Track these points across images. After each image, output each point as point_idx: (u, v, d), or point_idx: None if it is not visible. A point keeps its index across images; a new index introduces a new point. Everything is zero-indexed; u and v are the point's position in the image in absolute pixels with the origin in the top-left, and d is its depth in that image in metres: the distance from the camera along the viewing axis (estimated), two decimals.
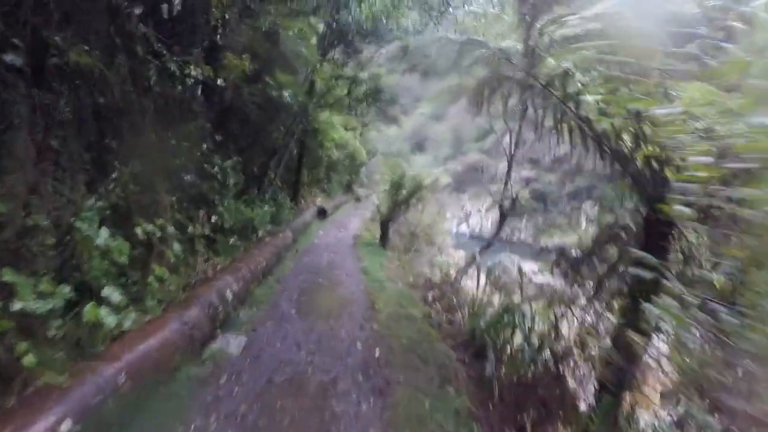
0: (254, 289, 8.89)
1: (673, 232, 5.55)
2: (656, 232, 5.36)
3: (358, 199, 29.67)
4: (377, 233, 16.21)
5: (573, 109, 6.00)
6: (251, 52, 9.90)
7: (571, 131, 6.41)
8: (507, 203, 47.15)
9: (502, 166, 54.39)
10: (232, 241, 9.51)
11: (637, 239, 5.39)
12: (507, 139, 57.52)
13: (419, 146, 59.26)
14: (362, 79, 16.26)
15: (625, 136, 5.71)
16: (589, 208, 45.34)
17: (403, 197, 14.72)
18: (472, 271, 17.19)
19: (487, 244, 15.73)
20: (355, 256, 14.21)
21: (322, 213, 18.59)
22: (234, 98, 10.50)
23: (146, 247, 6.26)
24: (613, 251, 6.33)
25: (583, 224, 45.84)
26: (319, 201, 19.88)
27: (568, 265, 7.12)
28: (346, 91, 16.30)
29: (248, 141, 12.22)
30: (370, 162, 37.05)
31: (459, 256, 23.18)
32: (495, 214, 46.98)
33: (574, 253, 6.85)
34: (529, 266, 20.47)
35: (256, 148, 12.84)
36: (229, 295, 7.28)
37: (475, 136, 57.15)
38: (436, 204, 23.31)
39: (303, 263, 12.70)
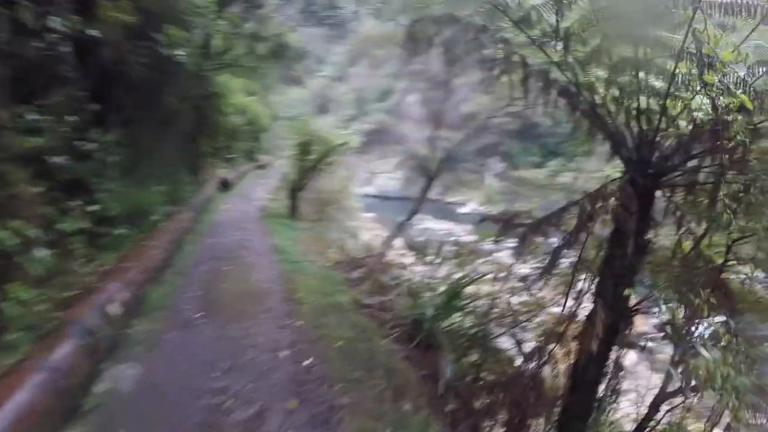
0: (150, 292, 7.29)
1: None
2: (643, 201, 4.63)
3: (261, 167, 27.79)
4: (285, 203, 15.16)
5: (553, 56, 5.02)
6: (133, 0, 8.09)
7: (525, 79, 5.46)
8: (415, 163, 46.53)
9: (407, 126, 54.24)
10: (120, 232, 7.85)
11: (626, 208, 4.57)
12: (410, 98, 57.06)
13: (322, 109, 57.33)
14: (265, 36, 14.50)
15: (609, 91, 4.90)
16: (495, 163, 46.13)
17: (312, 162, 13.73)
18: (397, 242, 16.26)
19: (413, 211, 14.85)
20: (264, 232, 12.90)
21: (225, 185, 16.97)
22: (116, 59, 8.64)
23: None
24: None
25: (488, 180, 46.71)
26: (222, 172, 18.04)
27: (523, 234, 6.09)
28: (246, 50, 14.44)
29: (135, 110, 10.30)
30: (273, 127, 35.24)
31: (372, 222, 22.25)
32: (402, 174, 46.88)
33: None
34: (456, 229, 20.08)
35: (146, 118, 10.91)
36: (114, 309, 5.69)
37: (377, 96, 56.09)
38: (344, 167, 22.15)
39: (207, 247, 11.25)
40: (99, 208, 7.25)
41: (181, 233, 10.87)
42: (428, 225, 17.81)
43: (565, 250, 5.54)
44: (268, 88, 31.28)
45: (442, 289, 7.54)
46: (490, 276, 7.64)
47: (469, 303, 7.21)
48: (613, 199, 4.62)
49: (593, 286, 5.43)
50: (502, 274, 7.42)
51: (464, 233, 18.50)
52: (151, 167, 10.57)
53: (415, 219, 18.13)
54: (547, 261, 5.81)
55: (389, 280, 9.53)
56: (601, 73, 4.88)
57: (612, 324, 4.98)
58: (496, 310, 7.30)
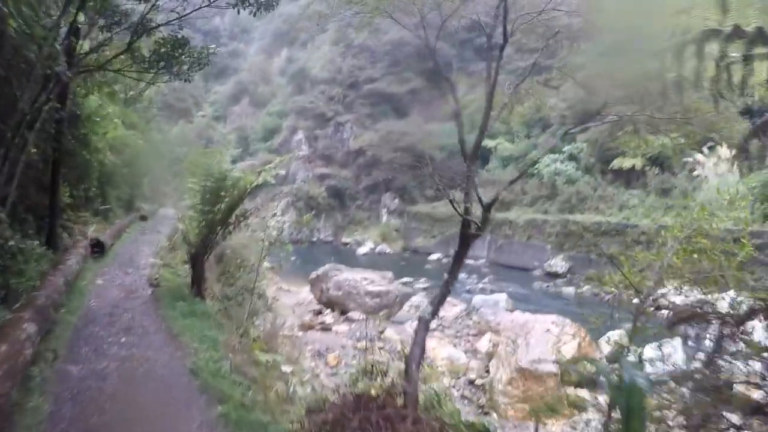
0: None
1: None
2: None
3: (144, 218, 23.23)
4: (181, 268, 11.44)
5: None
6: None
7: None
8: (304, 203, 44.18)
9: (293, 165, 51.88)
10: None
11: None
12: (297, 136, 54.75)
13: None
14: (153, 23, 10.36)
15: None
16: (389, 200, 45.09)
17: (223, 211, 9.19)
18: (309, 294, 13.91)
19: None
20: (165, 331, 7.66)
21: (98, 248, 12.44)
22: None
23: None
24: None
25: (384, 217, 45.52)
26: (93, 230, 13.47)
27: None
28: (127, 44, 10.20)
29: None
30: (157, 169, 30.98)
31: (280, 278, 19.17)
32: (290, 216, 44.26)
33: None
34: (376, 278, 17.87)
35: None
36: None
37: (262, 135, 53.39)
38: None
39: (66, 385, 5.64)
40: None
41: (15, 367, 5.06)
42: (347, 275, 15.37)
43: None
44: (150, 120, 27.42)
45: None
46: None
47: None
48: None
49: None
50: None
51: (385, 281, 16.24)
52: None
53: (328, 269, 15.75)
54: None
55: None
56: None
57: None
58: None
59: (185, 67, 10.68)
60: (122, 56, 10.45)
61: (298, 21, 66.34)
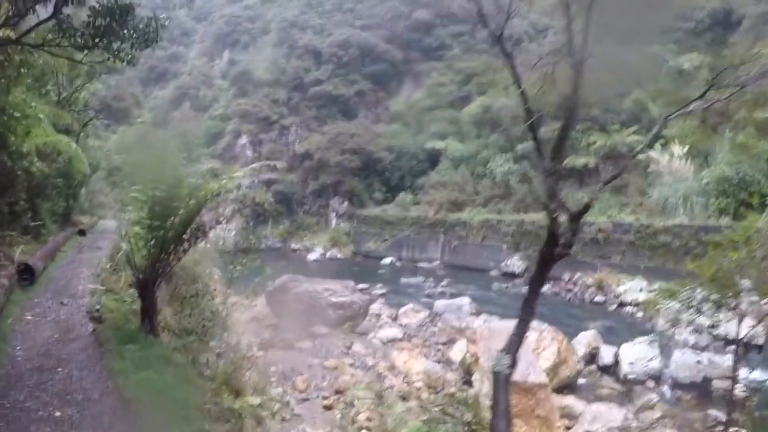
0: None
1: None
2: None
3: (82, 233, 20.53)
4: (126, 293, 9.23)
5: None
6: None
7: None
8: (251, 210, 42.49)
9: (238, 170, 49.78)
10: None
11: None
12: (240, 141, 52.91)
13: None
14: None
15: None
16: (337, 204, 43.82)
17: (177, 226, 7.05)
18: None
19: None
20: (115, 396, 5.40)
21: (27, 274, 9.91)
22: None
23: None
24: None
25: (333, 222, 44.23)
26: (20, 253, 10.89)
27: None
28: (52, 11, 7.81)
29: None
30: (92, 179, 28.35)
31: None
32: (236, 225, 42.26)
33: None
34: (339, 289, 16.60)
35: None
36: None
37: (204, 140, 51.11)
38: None
39: None
40: None
41: None
42: (307, 287, 14.07)
43: None
44: (87, 123, 24.89)
45: None
46: None
47: None
48: None
49: None
50: None
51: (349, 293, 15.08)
52: None
53: (286, 280, 14.47)
54: None
55: None
56: None
57: None
58: None
59: (128, 45, 8.72)
60: (48, 30, 8.28)
61: (240, 22, 64.46)
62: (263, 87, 50.51)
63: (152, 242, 7.02)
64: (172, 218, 6.85)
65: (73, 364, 6.13)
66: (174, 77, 63.58)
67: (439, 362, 12.54)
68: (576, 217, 5.67)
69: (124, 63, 9.00)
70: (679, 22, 34.58)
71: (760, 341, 15.61)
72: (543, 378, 9.12)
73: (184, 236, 7.27)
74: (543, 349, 11.28)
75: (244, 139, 49.10)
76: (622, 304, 20.53)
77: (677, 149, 25.24)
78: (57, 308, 8.49)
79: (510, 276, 27.16)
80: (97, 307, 7.97)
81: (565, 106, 5.42)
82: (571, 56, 5.06)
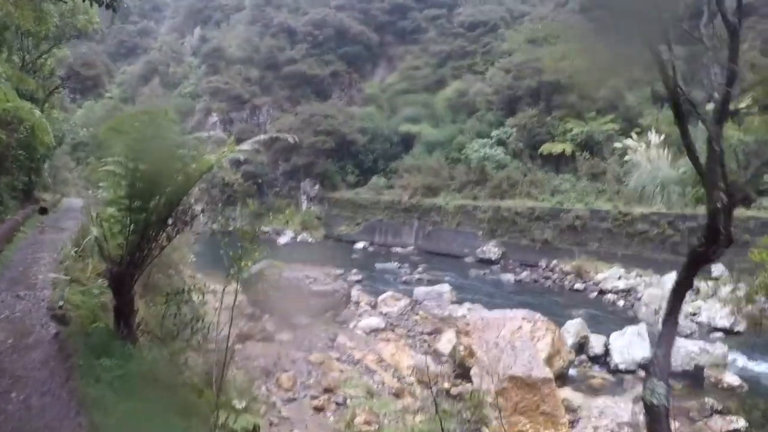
0: None
1: None
2: None
3: (44, 211, 18.52)
4: (96, 286, 7.32)
5: None
6: None
7: None
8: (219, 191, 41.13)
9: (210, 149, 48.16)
10: None
11: None
12: (211, 119, 51.26)
13: None
14: None
15: None
16: (309, 186, 42.79)
17: (160, 208, 5.75)
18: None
19: None
20: None
21: None
22: None
23: None
24: None
25: (304, 204, 43.22)
26: None
27: None
28: None
29: None
30: (56, 153, 26.42)
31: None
32: (204, 205, 40.88)
33: None
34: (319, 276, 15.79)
35: None
36: None
37: (174, 118, 49.18)
38: None
39: None
40: None
41: None
42: (288, 274, 13.25)
43: None
44: (52, 95, 23.04)
45: None
46: None
47: None
48: None
49: None
50: None
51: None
52: None
53: (264, 266, 13.59)
54: None
55: None
56: None
57: None
58: None
59: None
60: None
61: None
62: (235, 65, 48.85)
63: (131, 227, 5.57)
64: (157, 198, 5.50)
65: (32, 386, 4.50)
66: (143, 52, 61.15)
67: (425, 354, 11.96)
68: (731, 207, 4.35)
69: (107, 6, 7.64)
70: (657, 12, 34.43)
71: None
72: (547, 372, 8.62)
73: (169, 220, 5.93)
74: (537, 340, 10.77)
75: (214, 117, 47.47)
76: (602, 292, 20.34)
77: (654, 138, 25.14)
78: (12, 303, 6.99)
79: (486, 262, 26.77)
80: (60, 303, 6.39)
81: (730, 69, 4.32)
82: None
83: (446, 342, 12.11)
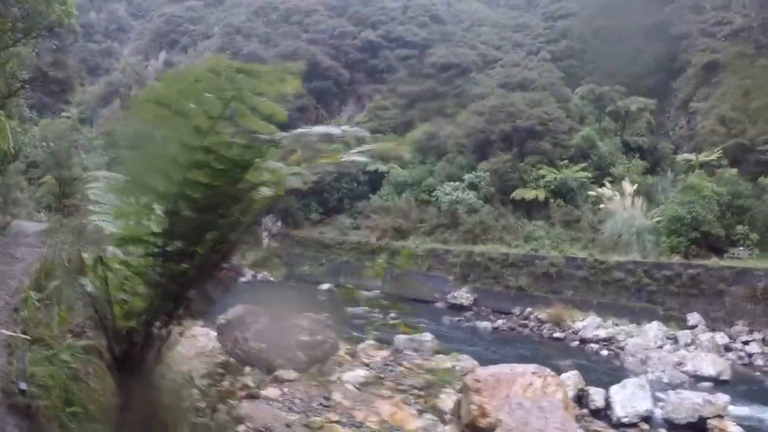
0: None
1: None
2: None
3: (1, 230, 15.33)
4: (66, 349, 3.64)
5: None
6: None
7: None
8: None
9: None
10: None
11: None
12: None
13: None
14: None
15: None
16: (270, 223, 41.45)
17: (213, 251, 3.44)
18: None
19: None
20: None
21: None
22: None
23: None
24: None
25: (265, 242, 41.71)
26: None
27: None
28: None
29: None
30: (9, 170, 23.65)
31: None
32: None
33: None
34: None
35: None
36: None
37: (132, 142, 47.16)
38: None
39: None
40: None
41: None
42: (272, 323, 12.00)
43: None
44: (13, 96, 20.54)
45: None
46: None
47: None
48: None
49: None
50: None
51: None
52: None
53: (242, 313, 12.33)
54: None
55: None
56: None
57: None
58: None
59: None
60: None
61: (180, 23, 61.19)
62: None
63: (163, 283, 3.31)
64: (211, 233, 3.30)
65: None
66: (105, 73, 59.31)
67: (420, 412, 10.89)
68: None
69: None
70: (627, 65, 35.76)
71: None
72: None
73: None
74: (549, 397, 9.93)
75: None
76: (583, 341, 19.82)
77: (628, 186, 25.40)
78: None
79: (457, 308, 26.00)
80: (22, 385, 3.23)
81: None
82: None
83: (446, 399, 11.09)
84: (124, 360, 3.52)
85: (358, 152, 3.46)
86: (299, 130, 3.13)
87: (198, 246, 3.26)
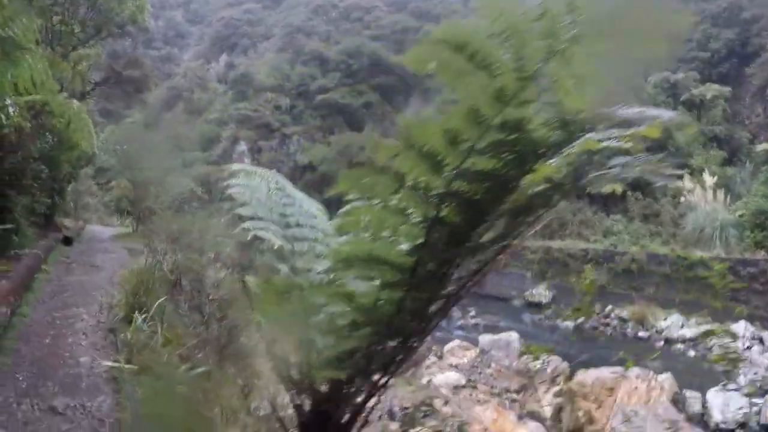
0: None
1: None
2: None
3: (68, 241, 14.81)
4: (182, 376, 4.33)
5: None
6: None
7: None
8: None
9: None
10: None
11: None
12: (239, 147, 51.22)
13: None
14: None
15: None
16: None
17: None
18: None
19: None
20: None
21: None
22: None
23: None
24: None
25: None
26: None
27: None
28: None
29: None
30: (80, 175, 22.98)
31: None
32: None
33: None
34: None
35: None
36: None
37: (199, 144, 49.31)
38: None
39: None
40: None
41: None
42: None
43: None
44: (89, 93, 20.16)
45: None
46: None
47: None
48: None
49: None
50: None
51: None
52: None
53: None
54: None
55: None
56: None
57: None
58: None
59: None
60: None
61: (239, 26, 62.98)
62: (264, 92, 48.98)
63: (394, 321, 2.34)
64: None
65: None
66: (167, 78, 61.81)
67: (520, 417, 11.24)
68: None
69: None
70: (697, 52, 34.52)
71: None
72: None
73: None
74: (655, 402, 10.14)
75: (242, 146, 47.43)
76: (668, 341, 19.54)
77: (708, 179, 24.64)
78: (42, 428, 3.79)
79: (536, 306, 25.99)
80: None
81: None
82: None
83: (543, 402, 11.45)
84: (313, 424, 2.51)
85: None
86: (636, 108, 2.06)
87: (448, 267, 2.40)
